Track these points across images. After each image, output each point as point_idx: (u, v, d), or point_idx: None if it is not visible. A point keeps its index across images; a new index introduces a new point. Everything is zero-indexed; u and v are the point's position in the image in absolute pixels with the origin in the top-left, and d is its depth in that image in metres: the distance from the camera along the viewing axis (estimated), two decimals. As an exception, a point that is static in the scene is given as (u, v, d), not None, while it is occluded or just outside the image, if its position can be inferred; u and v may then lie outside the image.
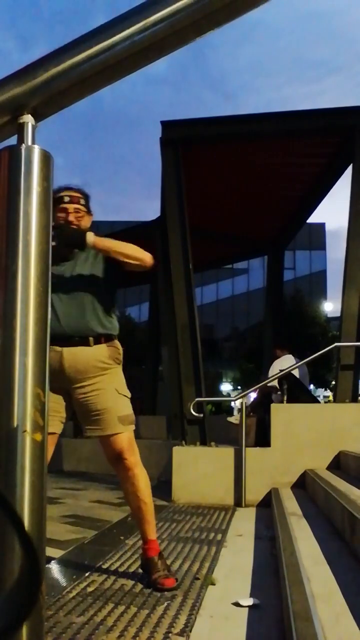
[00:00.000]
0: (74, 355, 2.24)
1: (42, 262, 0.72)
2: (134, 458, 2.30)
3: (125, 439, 2.28)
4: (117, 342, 2.35)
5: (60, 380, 2.24)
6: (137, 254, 2.30)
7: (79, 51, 0.74)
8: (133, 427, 2.34)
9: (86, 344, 2.25)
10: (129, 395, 2.37)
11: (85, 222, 2.37)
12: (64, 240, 2.24)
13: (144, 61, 0.76)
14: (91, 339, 2.26)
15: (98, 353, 2.27)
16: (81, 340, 2.25)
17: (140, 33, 0.73)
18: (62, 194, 2.34)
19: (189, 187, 5.74)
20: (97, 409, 2.27)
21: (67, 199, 2.32)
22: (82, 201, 2.37)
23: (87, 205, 2.39)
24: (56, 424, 2.28)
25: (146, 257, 2.31)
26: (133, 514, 2.39)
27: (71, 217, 2.32)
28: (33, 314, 0.70)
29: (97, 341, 2.28)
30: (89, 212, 2.40)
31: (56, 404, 2.28)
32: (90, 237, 2.25)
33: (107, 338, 2.31)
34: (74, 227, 2.29)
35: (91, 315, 2.28)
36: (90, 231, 2.30)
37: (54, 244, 2.14)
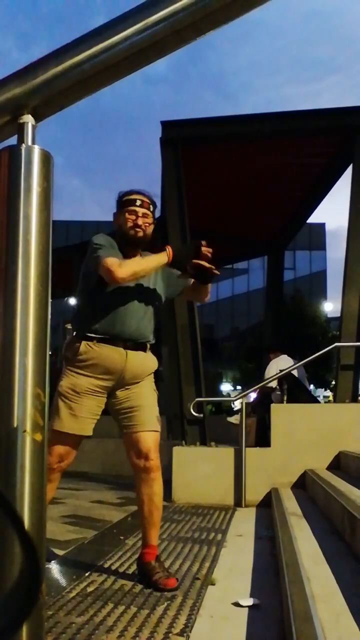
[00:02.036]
0: (136, 358, 2.30)
1: (42, 262, 0.72)
2: (158, 461, 2.31)
3: (156, 438, 2.32)
4: None
5: (116, 381, 2.30)
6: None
7: (79, 51, 0.74)
8: (160, 428, 2.39)
9: (144, 349, 2.34)
10: None
11: (150, 230, 2.35)
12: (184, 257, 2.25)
13: (144, 61, 0.76)
14: (148, 345, 2.36)
15: (151, 359, 2.38)
16: (141, 345, 2.33)
17: (140, 33, 0.73)
18: (135, 196, 2.32)
19: (189, 187, 5.74)
20: (135, 405, 2.31)
21: (139, 202, 2.31)
22: (152, 207, 2.35)
23: (154, 214, 2.37)
24: (92, 427, 2.32)
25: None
26: (142, 517, 2.35)
27: (140, 221, 2.30)
28: (33, 314, 0.70)
29: (149, 348, 2.38)
30: (154, 221, 2.38)
31: (98, 408, 2.32)
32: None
33: (152, 347, 2.41)
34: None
35: (151, 325, 2.37)
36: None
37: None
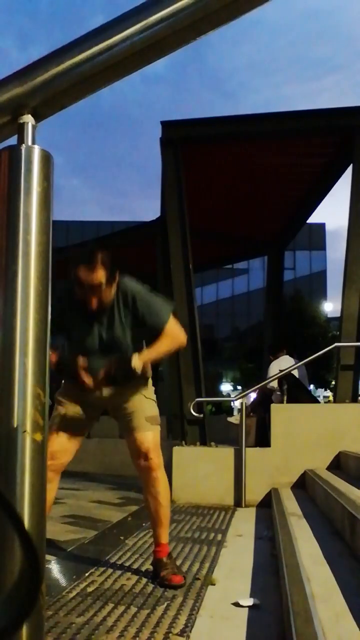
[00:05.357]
0: (113, 394, 2.38)
1: (42, 262, 0.72)
2: (158, 460, 2.36)
3: (151, 437, 2.36)
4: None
5: (101, 404, 2.46)
6: (174, 347, 2.42)
7: (79, 51, 0.74)
8: (159, 427, 2.43)
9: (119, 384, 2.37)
10: (155, 399, 2.47)
11: (107, 295, 2.22)
12: (120, 375, 2.29)
13: (144, 61, 0.76)
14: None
15: (132, 384, 2.39)
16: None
17: (140, 33, 0.73)
18: (79, 271, 2.17)
19: (189, 187, 5.74)
20: (127, 412, 2.39)
21: (82, 278, 2.17)
22: (101, 277, 2.17)
23: (107, 274, 2.18)
24: (87, 428, 2.54)
25: (179, 343, 2.39)
26: (150, 517, 2.45)
27: (93, 304, 2.20)
28: (33, 314, 0.70)
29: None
30: (110, 280, 2.20)
31: (96, 412, 2.49)
32: (136, 362, 2.25)
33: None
34: (121, 362, 2.26)
35: (126, 351, 2.32)
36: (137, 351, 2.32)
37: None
